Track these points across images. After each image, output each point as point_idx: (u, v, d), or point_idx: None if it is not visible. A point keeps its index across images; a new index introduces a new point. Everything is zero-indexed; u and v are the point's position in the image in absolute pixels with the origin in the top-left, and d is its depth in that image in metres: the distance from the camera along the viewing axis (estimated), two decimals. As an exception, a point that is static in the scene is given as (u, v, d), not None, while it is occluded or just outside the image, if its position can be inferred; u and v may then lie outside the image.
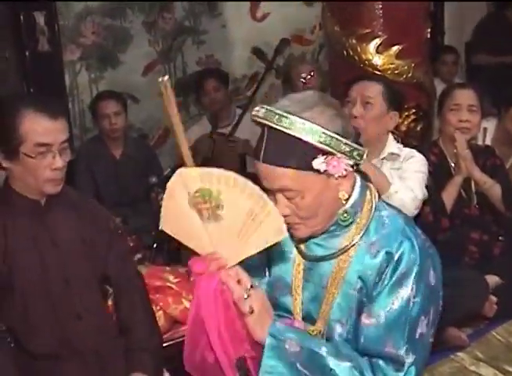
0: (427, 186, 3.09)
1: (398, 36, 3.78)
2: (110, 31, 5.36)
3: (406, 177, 3.00)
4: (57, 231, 2.29)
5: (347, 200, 1.70)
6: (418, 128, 3.89)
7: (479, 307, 3.29)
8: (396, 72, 3.79)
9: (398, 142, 3.21)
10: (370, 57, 3.78)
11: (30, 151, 2.13)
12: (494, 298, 3.32)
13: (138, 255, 3.40)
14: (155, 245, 3.51)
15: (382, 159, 3.08)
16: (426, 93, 3.96)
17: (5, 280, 2.20)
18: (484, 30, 6.46)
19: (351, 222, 1.73)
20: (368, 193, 1.77)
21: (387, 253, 1.69)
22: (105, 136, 4.43)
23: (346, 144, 1.61)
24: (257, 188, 1.57)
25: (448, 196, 3.39)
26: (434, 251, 1.77)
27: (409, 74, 3.82)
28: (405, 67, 3.81)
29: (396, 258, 1.67)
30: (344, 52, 3.84)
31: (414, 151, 3.13)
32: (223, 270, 1.62)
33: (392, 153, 3.07)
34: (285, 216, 1.67)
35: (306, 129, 1.57)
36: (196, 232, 1.65)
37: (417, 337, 1.67)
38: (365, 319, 1.70)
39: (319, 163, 1.60)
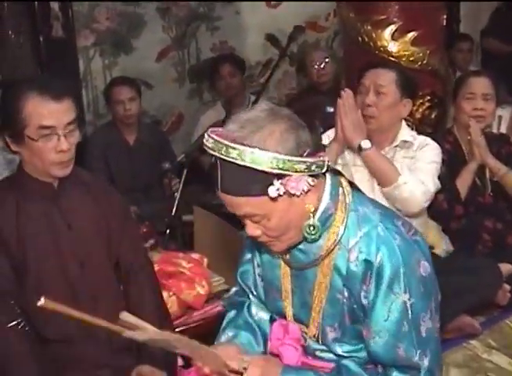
0: (439, 177, 3.06)
1: (414, 23, 3.76)
2: (124, 17, 5.35)
3: (419, 168, 2.97)
4: (71, 214, 2.29)
5: (314, 212, 1.67)
6: (433, 116, 3.87)
7: (492, 295, 3.28)
8: (411, 59, 3.77)
9: (412, 129, 3.19)
10: (385, 44, 3.76)
11: (34, 134, 2.12)
12: (507, 287, 3.30)
13: (151, 241, 3.40)
14: (168, 231, 3.52)
15: (395, 147, 3.06)
16: (441, 80, 3.94)
17: (20, 264, 2.21)
18: (499, 18, 6.41)
19: (318, 238, 1.70)
20: (341, 191, 1.73)
21: (365, 261, 1.67)
22: (118, 122, 4.43)
23: (301, 162, 1.56)
24: None
25: (463, 183, 3.38)
26: (420, 237, 1.74)
27: (424, 61, 3.80)
28: (421, 54, 3.79)
29: (377, 265, 1.65)
30: (359, 39, 3.82)
31: (428, 139, 3.11)
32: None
33: (405, 141, 3.05)
34: (257, 237, 1.69)
35: (256, 158, 1.52)
36: None
37: (424, 335, 1.67)
38: (368, 336, 1.70)
39: (275, 190, 1.56)
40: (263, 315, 1.98)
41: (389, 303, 1.65)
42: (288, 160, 1.54)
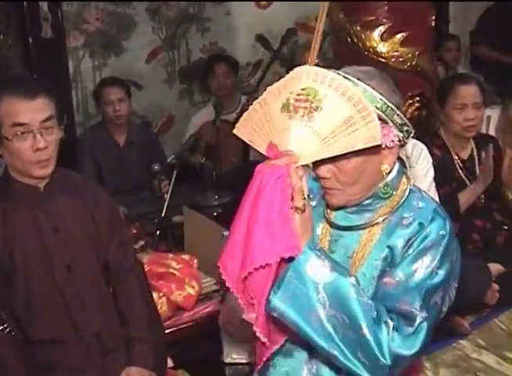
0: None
1: (403, 24, 3.76)
2: (114, 18, 5.35)
3: (419, 184, 2.99)
4: (58, 217, 2.28)
5: (388, 174, 1.72)
6: (422, 116, 3.88)
7: (482, 295, 3.30)
8: (400, 60, 3.77)
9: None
10: (375, 45, 3.76)
11: (9, 133, 2.11)
12: (496, 286, 3.32)
13: (141, 242, 3.40)
14: (158, 232, 3.52)
15: None
16: (430, 81, 3.94)
17: (7, 267, 2.20)
18: (489, 19, 6.43)
19: (391, 195, 1.74)
20: (404, 176, 1.79)
21: (419, 224, 1.70)
22: (108, 123, 4.43)
23: (399, 116, 1.64)
24: (364, 99, 1.57)
25: (465, 202, 3.38)
26: (458, 244, 1.78)
27: (413, 62, 3.80)
28: (410, 55, 3.80)
29: (427, 230, 1.68)
30: (349, 40, 3.82)
31: (418, 144, 3.10)
32: (292, 164, 1.59)
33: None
34: (326, 179, 1.69)
35: (366, 94, 1.59)
36: (280, 131, 1.61)
37: (431, 303, 1.67)
38: (385, 279, 1.70)
39: None
40: None
41: (419, 261, 1.67)
42: (391, 108, 1.63)
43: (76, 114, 5.20)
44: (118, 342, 2.36)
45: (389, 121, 1.63)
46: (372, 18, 3.76)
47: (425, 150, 3.06)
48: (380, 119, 1.60)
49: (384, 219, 1.74)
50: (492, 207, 3.53)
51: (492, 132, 3.83)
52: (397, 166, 1.76)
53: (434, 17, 4.01)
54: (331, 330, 1.61)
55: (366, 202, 1.75)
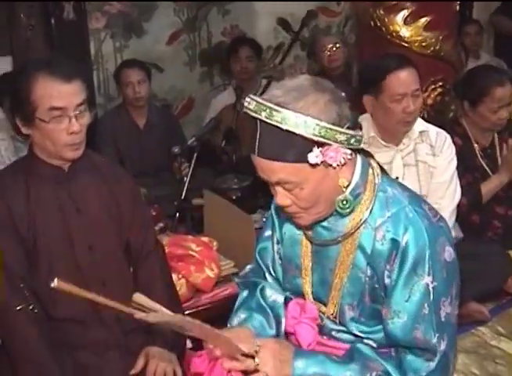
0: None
1: (426, 8, 3.73)
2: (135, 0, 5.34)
3: (446, 179, 3.00)
4: (81, 198, 2.29)
5: (347, 187, 1.68)
6: (445, 101, 3.85)
7: (501, 282, 3.28)
8: (423, 44, 3.75)
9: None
10: (398, 29, 3.74)
11: (45, 116, 2.11)
12: (517, 274, 3.31)
13: (161, 224, 3.41)
14: (177, 214, 3.52)
15: (416, 144, 3.00)
16: (453, 66, 3.91)
17: (31, 247, 2.22)
18: None
19: (351, 211, 1.70)
20: (370, 172, 1.74)
21: (392, 240, 1.66)
22: (128, 105, 4.43)
23: (342, 133, 1.57)
24: None
25: (488, 193, 3.35)
26: (445, 223, 1.75)
27: (437, 47, 3.78)
28: (433, 40, 3.77)
29: (403, 245, 1.65)
30: (371, 24, 3.80)
31: (442, 132, 3.05)
32: (223, 361, 1.71)
33: (421, 131, 3.01)
34: (286, 206, 1.68)
35: (299, 123, 1.53)
36: None
37: (443, 319, 1.67)
38: (386, 315, 1.70)
39: (314, 156, 1.56)
40: (277, 297, 1.95)
41: (411, 284, 1.65)
42: (331, 129, 1.55)
43: (97, 96, 5.21)
44: (139, 323, 2.37)
45: (332, 143, 1.57)
46: (395, 2, 3.74)
47: (449, 139, 3.03)
48: (322, 143, 1.56)
49: (357, 228, 1.71)
50: (514, 195, 3.50)
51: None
52: (358, 170, 1.71)
53: (458, 2, 3.97)
54: None
55: (330, 219, 1.74)
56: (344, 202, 1.67)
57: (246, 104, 1.62)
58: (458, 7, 4.00)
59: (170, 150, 3.89)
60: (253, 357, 1.71)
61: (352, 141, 1.60)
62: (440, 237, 1.68)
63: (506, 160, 3.37)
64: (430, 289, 1.65)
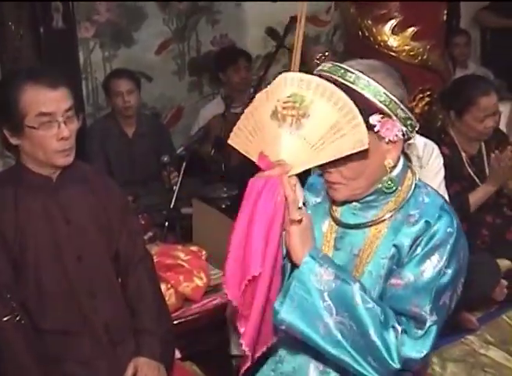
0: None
1: (414, 18, 3.76)
2: (125, 9, 5.33)
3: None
4: (69, 207, 2.29)
5: (392, 168, 1.71)
6: (432, 111, 3.87)
7: (490, 291, 3.29)
8: (411, 54, 3.77)
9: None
10: (386, 38, 3.75)
11: (34, 122, 2.12)
12: (505, 282, 3.32)
13: (150, 234, 3.40)
14: (166, 223, 3.52)
15: None
16: (440, 76, 3.93)
17: (18, 256, 2.21)
18: None
19: (395, 190, 1.73)
20: (409, 171, 1.78)
21: (426, 222, 1.69)
22: (118, 114, 4.43)
23: (403, 110, 1.63)
24: (349, 102, 1.57)
25: (475, 202, 3.37)
26: (465, 240, 1.77)
27: (424, 56, 3.80)
28: (420, 49, 3.79)
29: (434, 228, 1.67)
30: (360, 33, 3.82)
31: (429, 143, 3.06)
32: (284, 175, 1.60)
33: (408, 143, 3.01)
34: (329, 173, 1.69)
35: (369, 87, 1.59)
36: (271, 140, 1.62)
37: (440, 303, 1.67)
38: (393, 281, 1.70)
39: (375, 120, 1.61)
40: None
41: (427, 262, 1.66)
42: (395, 102, 1.61)
43: (86, 106, 5.20)
44: (127, 333, 2.37)
45: (392, 115, 1.62)
46: (383, 12, 3.76)
47: (436, 150, 3.04)
48: (383, 113, 1.61)
49: (390, 216, 1.74)
50: (501, 203, 3.52)
51: (502, 127, 3.82)
52: (402, 161, 1.75)
53: (445, 12, 3.99)
54: (340, 337, 1.63)
55: (370, 198, 1.75)
56: (390, 182, 1.71)
57: (320, 67, 1.66)
58: (445, 17, 4.02)
59: (159, 159, 3.90)
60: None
61: (408, 123, 1.66)
62: (462, 239, 1.72)
63: (493, 170, 3.38)
64: (442, 273, 1.66)
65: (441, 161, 3.05)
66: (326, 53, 4.85)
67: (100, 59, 5.30)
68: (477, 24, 6.72)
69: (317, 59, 4.82)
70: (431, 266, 1.66)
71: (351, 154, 1.60)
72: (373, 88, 1.59)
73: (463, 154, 3.46)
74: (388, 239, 1.73)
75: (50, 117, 2.13)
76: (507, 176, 3.39)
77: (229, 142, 1.71)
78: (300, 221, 1.62)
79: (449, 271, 1.67)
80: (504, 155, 3.34)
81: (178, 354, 2.64)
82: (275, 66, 5.68)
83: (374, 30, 3.76)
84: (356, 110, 1.56)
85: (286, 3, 5.91)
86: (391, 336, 1.63)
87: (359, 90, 1.59)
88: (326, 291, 1.63)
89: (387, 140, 1.64)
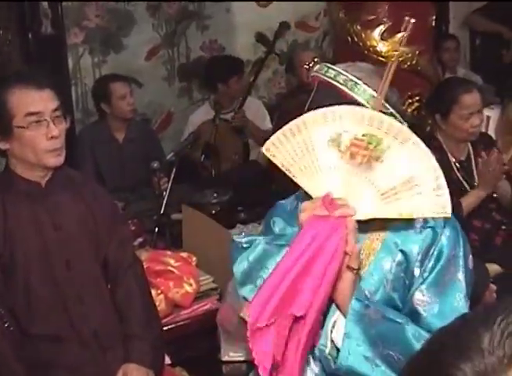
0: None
1: (403, 23, 3.76)
2: (114, 15, 5.33)
3: None
4: (58, 213, 2.29)
5: None
6: (421, 116, 3.88)
7: (479, 295, 3.29)
8: (400, 59, 3.77)
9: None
10: (375, 44, 3.76)
11: (23, 122, 2.14)
12: (494, 287, 3.32)
13: (140, 239, 3.40)
14: (156, 229, 3.52)
15: None
16: (429, 81, 3.95)
17: (7, 262, 2.20)
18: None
19: None
20: None
21: (432, 229, 1.67)
22: (112, 119, 4.40)
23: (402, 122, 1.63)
24: (433, 159, 1.48)
25: (467, 206, 3.37)
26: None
27: (413, 62, 3.81)
28: (409, 55, 3.80)
29: (441, 238, 1.67)
30: (349, 39, 3.83)
31: None
32: (350, 220, 1.50)
33: None
34: None
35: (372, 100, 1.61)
36: (327, 168, 1.53)
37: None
38: (416, 297, 1.68)
39: None
40: None
41: (447, 276, 1.67)
42: (392, 114, 1.61)
43: (75, 111, 5.19)
44: (116, 340, 2.36)
45: None
46: (372, 17, 3.77)
47: None
48: None
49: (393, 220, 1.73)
50: (490, 208, 3.53)
51: (491, 133, 3.83)
52: None
53: (434, 17, 4.01)
54: (384, 367, 1.60)
55: None
56: None
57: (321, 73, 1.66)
58: (434, 22, 4.04)
59: (149, 165, 3.89)
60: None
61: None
62: (467, 245, 1.74)
63: (481, 174, 3.39)
64: (462, 282, 1.67)
65: None
66: (316, 60, 4.87)
67: (89, 65, 5.29)
68: (466, 29, 6.74)
69: (306, 65, 4.83)
70: (457, 279, 1.67)
71: None
72: (374, 100, 1.59)
73: (452, 159, 3.47)
74: (392, 241, 1.71)
75: (38, 116, 2.15)
76: (498, 180, 3.39)
77: (264, 150, 1.60)
78: (358, 270, 1.58)
79: (466, 275, 1.69)
80: (492, 158, 3.35)
81: (168, 360, 2.63)
82: (265, 72, 5.71)
83: (363, 35, 3.77)
84: (440, 171, 1.47)
85: (276, 9, 5.95)
86: None
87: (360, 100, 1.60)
88: (375, 330, 1.59)
89: None
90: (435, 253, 1.67)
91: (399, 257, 1.70)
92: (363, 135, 1.49)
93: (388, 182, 1.50)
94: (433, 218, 1.67)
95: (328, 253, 1.48)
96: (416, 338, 1.59)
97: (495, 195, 3.50)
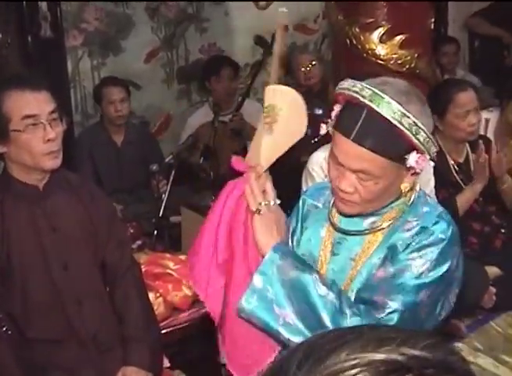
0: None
1: (402, 26, 3.76)
2: (113, 18, 5.34)
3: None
4: (56, 216, 2.29)
5: (407, 192, 1.73)
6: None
7: (479, 298, 3.29)
8: (399, 62, 3.77)
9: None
10: (373, 47, 3.76)
11: (19, 126, 2.13)
12: (494, 290, 3.32)
13: (139, 242, 3.40)
14: (155, 232, 3.51)
15: None
16: (428, 84, 3.94)
17: (4, 265, 2.20)
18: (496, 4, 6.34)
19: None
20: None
21: (422, 227, 1.70)
22: (108, 123, 4.42)
23: (433, 143, 1.65)
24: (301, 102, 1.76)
25: (464, 202, 3.36)
26: (460, 250, 1.79)
27: (412, 65, 3.80)
28: (408, 58, 3.79)
29: (428, 231, 1.69)
30: (348, 42, 3.82)
31: None
32: (250, 173, 1.77)
33: None
34: (346, 193, 1.69)
35: (413, 126, 1.58)
36: (258, 147, 1.81)
37: (411, 300, 1.67)
38: (377, 273, 1.72)
39: (413, 160, 1.62)
40: None
41: (409, 262, 1.67)
42: (431, 141, 1.63)
43: (75, 114, 5.19)
44: (115, 342, 2.36)
45: (426, 152, 1.64)
46: (371, 20, 3.76)
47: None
48: (418, 149, 1.62)
49: (388, 225, 1.75)
50: (490, 211, 3.53)
51: (490, 135, 3.83)
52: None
53: (433, 20, 4.01)
54: (300, 325, 1.66)
55: (374, 209, 1.76)
56: (406, 206, 1.75)
57: (357, 90, 1.63)
58: (433, 25, 4.04)
59: (147, 168, 3.89)
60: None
61: (432, 150, 1.67)
62: (456, 248, 1.74)
63: (478, 166, 3.39)
64: (423, 273, 1.67)
65: (432, 171, 3.07)
66: (314, 62, 4.87)
67: (88, 68, 5.30)
68: (465, 31, 6.74)
69: (304, 68, 4.84)
70: (414, 265, 1.67)
71: (378, 182, 1.64)
72: (416, 129, 1.58)
73: (451, 161, 3.47)
74: (383, 244, 1.75)
75: (34, 119, 2.14)
76: (488, 170, 3.39)
77: (248, 161, 1.86)
78: (258, 211, 1.72)
79: (431, 274, 1.67)
80: (480, 150, 3.36)
81: (166, 363, 2.63)
82: (263, 75, 5.70)
83: (362, 38, 3.77)
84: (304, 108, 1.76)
85: (275, 12, 5.94)
86: (345, 320, 1.65)
87: (403, 129, 1.58)
88: (286, 282, 1.67)
89: (418, 170, 1.67)
90: (415, 241, 1.69)
91: (385, 253, 1.74)
92: (265, 108, 1.78)
93: (283, 136, 1.78)
94: (423, 220, 1.71)
95: (233, 206, 1.82)
96: (317, 288, 1.67)
97: (494, 196, 3.49)
